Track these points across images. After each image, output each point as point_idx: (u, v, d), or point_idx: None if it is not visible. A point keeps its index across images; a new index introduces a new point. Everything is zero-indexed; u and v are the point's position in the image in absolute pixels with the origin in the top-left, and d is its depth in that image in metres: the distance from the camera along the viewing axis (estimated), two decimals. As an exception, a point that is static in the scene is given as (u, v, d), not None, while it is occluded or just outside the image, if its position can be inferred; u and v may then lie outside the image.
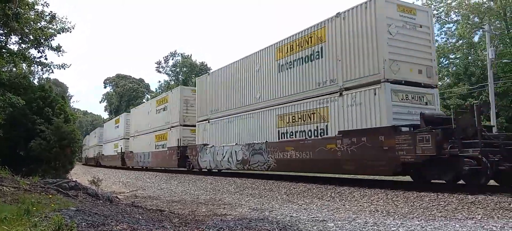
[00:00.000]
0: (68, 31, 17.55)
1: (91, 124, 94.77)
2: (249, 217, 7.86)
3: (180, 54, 69.53)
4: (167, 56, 70.00)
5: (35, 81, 24.41)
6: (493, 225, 6.18)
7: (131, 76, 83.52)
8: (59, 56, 17.50)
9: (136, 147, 33.81)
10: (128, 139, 36.97)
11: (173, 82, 65.35)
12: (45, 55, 17.20)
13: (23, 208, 6.19)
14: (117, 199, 11.25)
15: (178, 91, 26.32)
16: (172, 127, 26.15)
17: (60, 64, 18.13)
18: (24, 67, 20.96)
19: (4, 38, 16.51)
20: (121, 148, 38.37)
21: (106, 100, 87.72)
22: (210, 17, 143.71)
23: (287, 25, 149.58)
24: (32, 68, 22.04)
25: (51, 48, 16.83)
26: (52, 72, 19.40)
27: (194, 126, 23.50)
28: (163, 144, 27.59)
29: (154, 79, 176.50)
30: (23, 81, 18.31)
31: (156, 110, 30.00)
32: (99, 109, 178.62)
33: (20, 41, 16.65)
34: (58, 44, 17.14)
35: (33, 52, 17.24)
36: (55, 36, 17.13)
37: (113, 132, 43.22)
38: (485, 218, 6.95)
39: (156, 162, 28.93)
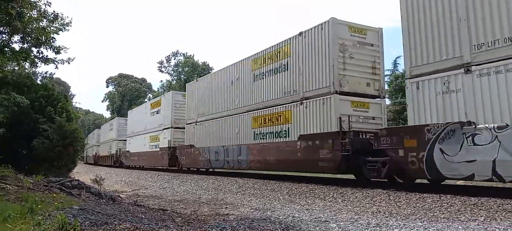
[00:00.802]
0: (66, 27, 17.59)
1: (93, 123, 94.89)
2: (251, 217, 7.87)
3: (182, 54, 69.58)
4: (169, 56, 70.04)
5: (38, 81, 24.51)
6: (496, 227, 6.18)
7: (133, 76, 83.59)
8: (59, 54, 17.52)
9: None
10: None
11: (175, 82, 65.34)
12: (46, 55, 17.23)
13: (27, 206, 6.23)
14: (120, 198, 11.28)
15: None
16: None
17: (65, 59, 18.16)
18: (27, 66, 21.03)
19: (7, 37, 16.53)
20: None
21: (108, 100, 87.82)
22: (212, 17, 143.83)
23: (288, 23, 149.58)
24: (34, 68, 22.14)
25: (52, 48, 16.86)
26: (56, 68, 19.44)
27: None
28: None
29: (157, 79, 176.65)
30: (26, 80, 18.36)
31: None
32: (101, 109, 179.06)
33: (22, 40, 16.66)
34: (59, 45, 17.18)
35: (35, 51, 17.25)
36: (57, 34, 17.17)
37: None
38: (488, 220, 6.94)
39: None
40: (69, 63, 18.11)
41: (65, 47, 17.98)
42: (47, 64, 17.96)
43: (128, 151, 36.50)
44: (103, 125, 54.33)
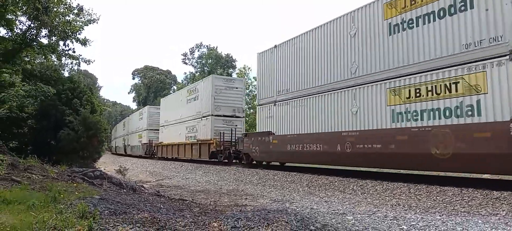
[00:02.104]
0: (94, 22, 18.00)
1: (120, 114, 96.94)
2: (268, 208, 7.92)
3: (206, 46, 70.01)
4: (193, 48, 70.61)
5: (66, 73, 25.29)
6: (517, 222, 6.02)
7: (158, 68, 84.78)
8: (85, 46, 18.01)
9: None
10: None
11: (198, 74, 65.91)
12: (73, 48, 17.76)
13: (50, 195, 6.46)
14: (142, 188, 11.53)
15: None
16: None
17: (87, 59, 18.70)
18: (54, 59, 21.68)
19: (35, 31, 17.09)
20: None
21: (134, 91, 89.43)
22: (236, 8, 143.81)
23: (315, 16, 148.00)
24: (62, 61, 22.79)
25: (78, 40, 17.29)
26: (79, 65, 19.98)
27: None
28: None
29: (181, 71, 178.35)
30: (54, 74, 18.95)
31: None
32: (128, 100, 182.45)
33: (49, 34, 17.20)
34: (85, 37, 17.61)
35: (61, 45, 17.81)
36: (82, 29, 17.62)
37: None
38: (510, 215, 6.76)
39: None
40: (89, 63, 18.61)
41: (89, 40, 18.44)
42: (72, 62, 18.55)
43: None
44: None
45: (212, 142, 23.13)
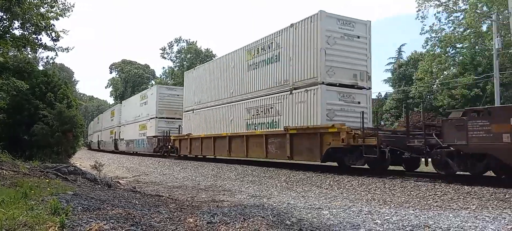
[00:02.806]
0: (67, 12, 17.55)
1: (97, 109, 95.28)
2: (245, 203, 7.92)
3: (185, 41, 69.44)
4: (172, 42, 69.92)
5: (40, 67, 24.64)
6: (486, 216, 6.19)
7: (136, 62, 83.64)
8: (57, 42, 17.54)
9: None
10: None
11: (177, 68, 65.32)
12: (45, 43, 17.26)
13: (21, 191, 6.29)
14: (118, 184, 11.37)
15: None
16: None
17: (64, 47, 18.18)
18: (29, 52, 21.11)
19: (7, 23, 16.56)
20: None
21: (111, 86, 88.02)
22: (216, 3, 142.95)
23: (293, 6, 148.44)
24: (35, 54, 22.22)
25: (51, 36, 16.88)
26: (56, 55, 19.48)
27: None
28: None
29: (160, 66, 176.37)
30: (27, 66, 18.42)
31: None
32: (105, 95, 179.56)
33: (22, 26, 16.69)
34: (58, 31, 17.16)
35: (34, 38, 17.28)
36: (57, 19, 17.15)
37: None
38: (480, 209, 6.96)
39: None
40: (68, 51, 18.14)
41: (65, 30, 17.97)
42: (47, 51, 18.04)
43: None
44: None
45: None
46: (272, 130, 16.01)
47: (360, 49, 14.34)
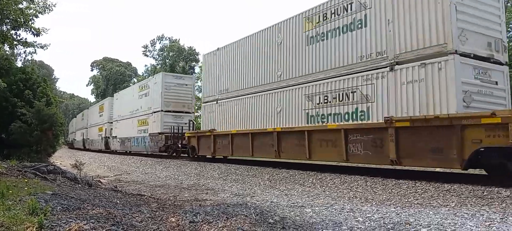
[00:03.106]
0: (49, 9, 17.14)
1: (78, 107, 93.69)
2: (228, 202, 7.90)
3: (167, 38, 68.82)
4: (154, 39, 69.21)
5: (19, 64, 24.04)
6: (465, 213, 6.31)
7: (118, 60, 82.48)
8: (38, 37, 17.10)
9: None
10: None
11: (160, 66, 64.70)
12: (25, 38, 16.83)
13: (-3, 191, 6.13)
14: (99, 183, 11.20)
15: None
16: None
17: (42, 44, 17.77)
18: (6, 49, 20.57)
19: (-17, 19, 16.11)
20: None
21: (93, 84, 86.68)
22: (200, 1, 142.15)
23: (279, 9, 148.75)
24: (15, 50, 21.67)
25: (31, 30, 16.44)
26: (35, 52, 18.98)
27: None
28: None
29: (142, 63, 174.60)
30: (5, 63, 17.94)
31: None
32: (86, 93, 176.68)
33: (0, 22, 16.23)
34: (38, 27, 16.74)
35: (13, 34, 16.82)
36: (36, 17, 16.73)
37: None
38: (459, 206, 7.09)
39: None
40: (46, 48, 17.73)
41: (46, 29, 17.58)
42: (26, 48, 17.58)
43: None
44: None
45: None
46: (358, 122, 11.53)
47: (493, 9, 10.44)
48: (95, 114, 44.28)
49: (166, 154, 24.35)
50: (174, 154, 23.53)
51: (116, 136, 34.12)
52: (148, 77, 43.14)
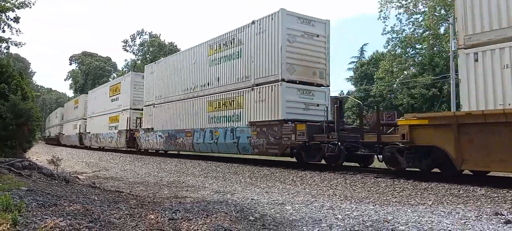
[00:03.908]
0: (28, 6, 16.75)
1: (55, 102, 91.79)
2: (209, 199, 7.85)
3: (148, 33, 68.00)
4: (134, 35, 68.29)
5: (-6, 56, 23.35)
6: (441, 210, 6.44)
7: (97, 54, 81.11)
8: (14, 29, 16.71)
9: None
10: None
11: (140, 61, 63.87)
12: (3, 28, 16.39)
13: (-31, 187, 5.94)
14: (77, 180, 11.00)
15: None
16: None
17: (17, 42, 17.40)
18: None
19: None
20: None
21: (71, 78, 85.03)
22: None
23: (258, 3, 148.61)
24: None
25: (9, 19, 16.02)
26: (8, 48, 18.56)
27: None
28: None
29: (122, 58, 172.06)
30: (-22, 55, 17.40)
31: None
32: (64, 88, 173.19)
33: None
34: (16, 15, 16.31)
35: None
36: (13, 11, 16.29)
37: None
38: (435, 204, 7.23)
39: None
40: (21, 46, 17.39)
41: (19, 30, 17.19)
42: (0, 45, 17.16)
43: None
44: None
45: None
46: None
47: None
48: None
49: (134, 149, 26.29)
50: (142, 149, 25.31)
51: (89, 132, 35.73)
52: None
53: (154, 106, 23.28)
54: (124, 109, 28.09)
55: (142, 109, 25.54)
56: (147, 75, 25.09)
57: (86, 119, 37.73)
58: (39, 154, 29.73)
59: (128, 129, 26.56)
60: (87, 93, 40.97)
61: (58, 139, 47.31)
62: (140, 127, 25.40)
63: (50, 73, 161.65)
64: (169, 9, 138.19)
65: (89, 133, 35.60)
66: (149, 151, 24.52)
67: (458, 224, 5.43)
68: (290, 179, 11.46)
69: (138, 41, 68.27)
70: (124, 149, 27.87)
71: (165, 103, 21.94)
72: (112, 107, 30.62)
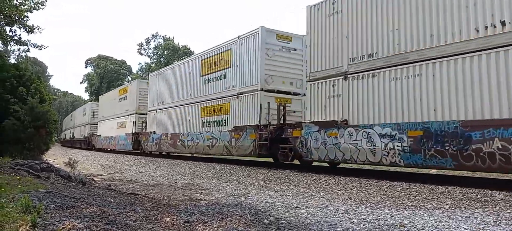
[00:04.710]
0: (41, 5, 17.04)
1: (71, 105, 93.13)
2: (223, 202, 7.87)
3: (162, 37, 68.60)
4: (149, 38, 68.97)
5: (12, 60, 23.85)
6: (459, 215, 6.34)
7: (112, 58, 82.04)
8: (32, 34, 17.01)
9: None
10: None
11: (154, 64, 64.45)
12: (19, 35, 16.72)
13: (-11, 189, 6.07)
14: (93, 182, 11.13)
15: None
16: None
17: (38, 45, 17.71)
18: (0, 45, 20.40)
19: (-23, 15, 15.96)
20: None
21: (86, 81, 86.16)
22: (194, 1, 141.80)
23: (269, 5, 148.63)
24: (8, 47, 21.50)
25: (25, 27, 16.33)
26: (28, 50, 18.94)
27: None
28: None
29: (137, 62, 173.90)
30: (-3, 59, 17.75)
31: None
32: (80, 90, 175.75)
33: (-7, 18, 16.13)
34: (33, 24, 16.62)
35: (7, 31, 16.73)
36: (30, 12, 16.62)
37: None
38: (453, 208, 7.12)
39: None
40: (41, 48, 17.69)
41: (40, 27, 17.48)
42: (20, 46, 17.49)
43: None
44: (105, 94, 41.32)
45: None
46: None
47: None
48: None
49: (139, 151, 28.03)
50: (146, 151, 26.93)
51: (100, 135, 37.62)
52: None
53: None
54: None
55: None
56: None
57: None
58: (55, 156, 30.20)
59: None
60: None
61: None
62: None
63: (67, 76, 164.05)
64: (182, 13, 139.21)
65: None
66: (152, 152, 26.24)
67: (477, 230, 5.35)
68: (304, 182, 11.42)
69: (152, 44, 68.93)
70: (130, 150, 29.86)
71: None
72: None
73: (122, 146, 30.89)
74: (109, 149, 34.72)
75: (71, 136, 51.78)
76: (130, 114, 30.11)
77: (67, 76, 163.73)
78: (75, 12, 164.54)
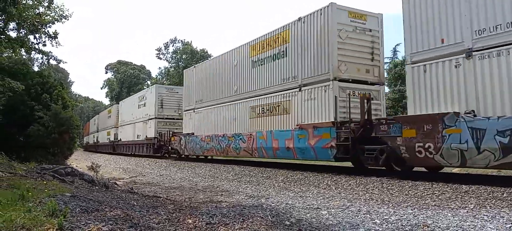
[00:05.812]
0: (66, 18, 17.44)
1: (92, 110, 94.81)
2: (244, 204, 7.90)
3: (180, 41, 69.24)
4: (167, 42, 69.70)
5: (35, 68, 24.53)
6: (484, 215, 6.21)
7: (132, 63, 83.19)
8: (54, 45, 17.46)
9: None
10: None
11: (173, 69, 65.09)
12: (44, 42, 17.15)
13: (18, 193, 6.24)
14: (116, 185, 11.31)
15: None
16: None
17: (58, 59, 18.25)
18: (23, 53, 20.97)
19: (2, 24, 16.44)
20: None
21: (107, 87, 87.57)
22: (211, 3, 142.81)
23: (287, 8, 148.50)
24: (31, 55, 22.11)
25: (48, 35, 16.73)
26: (48, 62, 19.41)
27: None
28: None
29: (156, 66, 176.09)
30: (22, 68, 18.27)
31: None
32: (101, 96, 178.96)
33: (18, 27, 16.57)
34: (55, 30, 17.01)
35: (31, 38, 17.18)
36: (53, 23, 17.03)
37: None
38: (478, 208, 6.98)
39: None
40: (60, 63, 18.16)
41: (58, 41, 17.94)
42: (42, 56, 17.94)
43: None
44: (126, 99, 42.41)
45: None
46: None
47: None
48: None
49: (159, 155, 27.75)
50: (166, 155, 26.79)
51: (121, 139, 38.31)
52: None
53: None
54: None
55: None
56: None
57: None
58: (78, 160, 30.80)
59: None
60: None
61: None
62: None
63: (88, 81, 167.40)
64: (199, 16, 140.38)
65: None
66: (189, 156, 24.10)
67: (503, 229, 5.23)
68: (325, 183, 11.36)
69: (171, 49, 69.64)
70: (150, 154, 29.84)
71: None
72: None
73: (142, 149, 31.34)
74: (130, 153, 35.39)
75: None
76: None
77: (87, 82, 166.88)
78: (92, 15, 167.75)
